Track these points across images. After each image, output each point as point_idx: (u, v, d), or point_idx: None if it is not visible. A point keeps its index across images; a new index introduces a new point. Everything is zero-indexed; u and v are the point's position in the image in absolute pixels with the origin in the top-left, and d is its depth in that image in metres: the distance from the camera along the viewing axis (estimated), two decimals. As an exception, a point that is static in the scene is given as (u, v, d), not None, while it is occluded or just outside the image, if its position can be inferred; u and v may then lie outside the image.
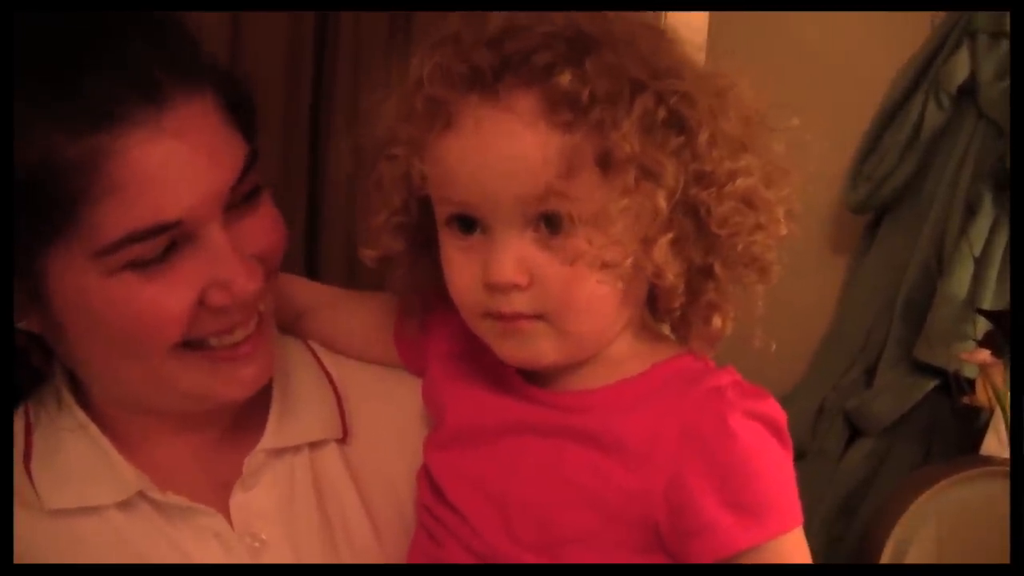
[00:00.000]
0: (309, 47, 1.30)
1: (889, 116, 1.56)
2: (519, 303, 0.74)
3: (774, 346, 0.79)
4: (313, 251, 1.34)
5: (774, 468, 0.73)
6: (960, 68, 1.48)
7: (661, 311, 0.78)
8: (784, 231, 0.77)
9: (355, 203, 1.27)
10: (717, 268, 0.76)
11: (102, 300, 0.78)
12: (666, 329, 0.81)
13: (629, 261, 0.72)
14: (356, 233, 1.25)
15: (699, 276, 0.77)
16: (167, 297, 0.78)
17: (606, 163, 0.71)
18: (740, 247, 0.75)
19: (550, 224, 0.73)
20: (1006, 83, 1.41)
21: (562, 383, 0.79)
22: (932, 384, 1.51)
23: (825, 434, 1.58)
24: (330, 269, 1.34)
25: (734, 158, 0.74)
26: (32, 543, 0.82)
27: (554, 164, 0.71)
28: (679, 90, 0.73)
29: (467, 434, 0.81)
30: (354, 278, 1.22)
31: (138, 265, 0.77)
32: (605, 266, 0.72)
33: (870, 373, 1.59)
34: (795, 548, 0.74)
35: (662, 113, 0.72)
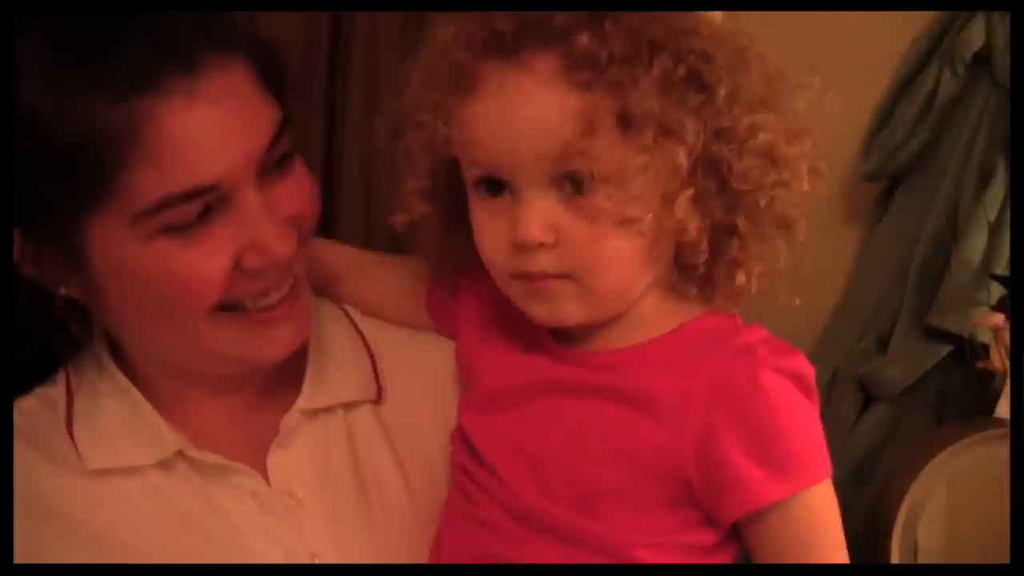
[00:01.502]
0: (325, 20, 1.30)
1: (903, 85, 1.56)
2: (545, 262, 0.75)
3: (797, 300, 0.80)
4: (329, 225, 1.35)
5: (803, 422, 0.75)
6: (975, 37, 1.48)
7: (686, 268, 0.79)
8: (807, 187, 0.78)
9: (371, 179, 1.29)
10: (741, 224, 0.77)
11: (140, 265, 0.80)
12: (693, 290, 0.82)
13: (650, 217, 0.73)
14: (371, 208, 1.27)
15: (723, 233, 0.78)
16: (204, 261, 0.80)
17: (625, 122, 0.73)
18: (763, 203, 0.77)
19: (574, 183, 0.74)
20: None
21: (594, 343, 0.80)
22: (945, 351, 1.51)
23: (839, 401, 1.59)
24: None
25: (753, 114, 0.75)
26: (73, 502, 0.85)
27: (574, 123, 0.72)
28: (697, 48, 0.74)
29: (501, 395, 0.83)
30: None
31: (175, 229, 0.79)
32: (626, 222, 0.74)
33: (883, 341, 1.60)
34: (823, 500, 0.76)
35: (681, 71, 0.73)
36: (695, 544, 0.78)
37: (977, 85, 1.52)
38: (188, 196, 0.78)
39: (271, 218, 0.82)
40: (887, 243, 1.62)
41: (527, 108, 0.73)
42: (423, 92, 0.79)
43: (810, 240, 0.81)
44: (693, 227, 0.75)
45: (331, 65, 1.30)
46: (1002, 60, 1.47)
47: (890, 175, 1.59)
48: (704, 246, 0.77)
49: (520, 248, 0.75)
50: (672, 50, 0.73)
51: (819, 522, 0.76)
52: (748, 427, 0.73)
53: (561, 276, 0.76)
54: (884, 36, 1.59)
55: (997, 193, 1.47)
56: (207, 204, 0.79)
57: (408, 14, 1.27)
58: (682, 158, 0.73)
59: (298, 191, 0.86)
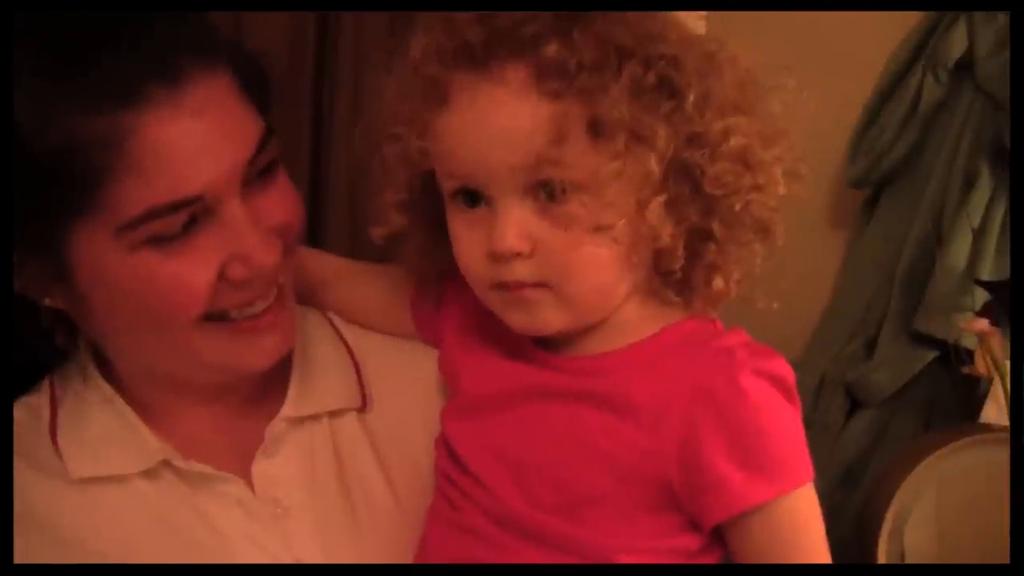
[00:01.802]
0: (312, 27, 1.31)
1: (887, 91, 1.57)
2: (521, 272, 0.76)
3: (776, 305, 0.80)
4: (316, 233, 1.35)
5: (783, 425, 0.75)
6: (957, 43, 1.49)
7: (665, 274, 0.80)
8: (783, 190, 0.78)
9: (357, 187, 1.29)
10: (717, 229, 0.77)
11: (125, 276, 0.80)
12: (673, 296, 0.82)
13: (623, 223, 0.74)
14: (358, 216, 1.28)
15: (699, 238, 0.78)
16: (189, 272, 0.80)
17: (596, 129, 0.73)
18: (738, 207, 0.77)
19: (548, 192, 0.74)
20: (1003, 57, 1.42)
21: (575, 348, 0.81)
22: (931, 356, 1.52)
23: (826, 406, 1.59)
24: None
25: (725, 118, 0.75)
26: (57, 511, 0.85)
27: (545, 132, 0.72)
28: (667, 54, 0.74)
29: (483, 402, 0.83)
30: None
31: (159, 241, 0.79)
32: (600, 228, 0.74)
33: (870, 346, 1.60)
34: (806, 504, 0.76)
35: (651, 78, 0.74)
36: (678, 549, 0.78)
37: (960, 91, 1.52)
38: (173, 207, 0.78)
39: (255, 228, 0.82)
40: (874, 247, 1.62)
41: (498, 118, 0.74)
42: (397, 105, 0.79)
43: (797, 245, 0.81)
44: (667, 232, 0.75)
45: (318, 65, 1.30)
46: (984, 66, 1.48)
47: (875, 181, 1.60)
48: (680, 251, 0.77)
49: (497, 258, 0.76)
50: (641, 57, 0.74)
51: (801, 525, 0.77)
52: (729, 430, 0.74)
53: (538, 285, 0.76)
54: (870, 41, 1.60)
55: (981, 199, 1.48)
56: (192, 215, 0.80)
57: (395, 15, 1.27)
58: (654, 164, 0.73)
59: (282, 201, 0.86)
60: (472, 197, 0.77)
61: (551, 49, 0.72)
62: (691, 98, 0.74)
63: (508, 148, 0.73)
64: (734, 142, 0.75)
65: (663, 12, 0.79)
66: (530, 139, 0.73)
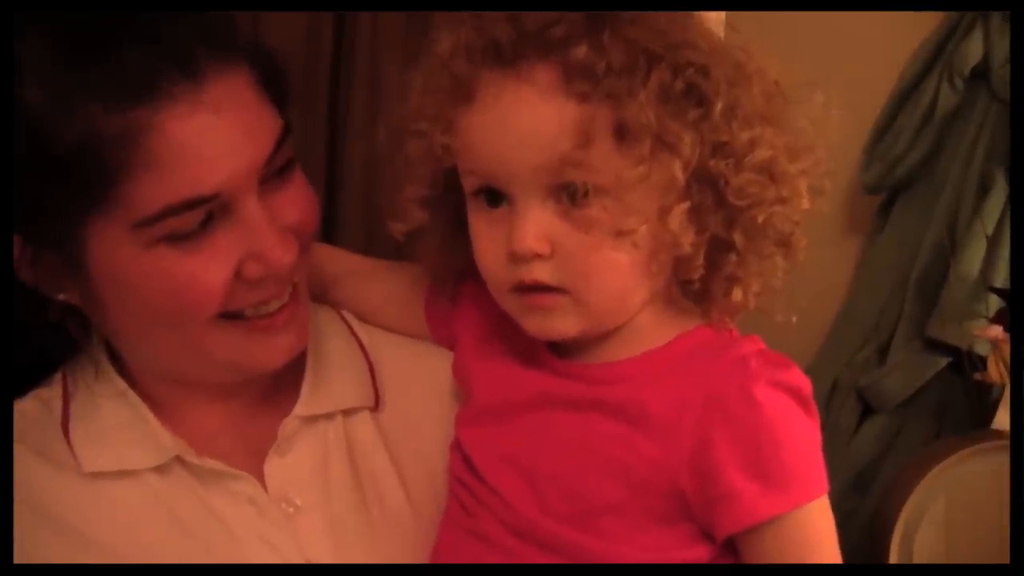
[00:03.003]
0: (329, 25, 1.31)
1: (903, 98, 1.57)
2: (540, 273, 0.75)
3: (794, 318, 0.80)
4: (330, 231, 1.35)
5: (799, 437, 0.74)
6: (973, 50, 1.49)
7: (684, 283, 0.79)
8: (807, 205, 0.78)
9: (373, 186, 1.29)
10: (738, 240, 0.77)
11: (140, 273, 0.80)
12: (691, 305, 0.81)
13: (644, 228, 0.73)
14: (373, 215, 1.28)
15: (720, 249, 0.78)
16: (205, 270, 0.80)
17: (622, 133, 0.73)
18: (761, 219, 0.76)
19: (571, 195, 0.74)
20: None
21: (590, 356, 0.80)
22: (944, 362, 1.52)
23: (838, 411, 1.59)
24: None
25: (752, 129, 0.75)
26: (67, 505, 0.85)
27: (570, 134, 0.72)
28: (696, 62, 0.74)
29: (497, 409, 0.83)
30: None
31: (176, 238, 0.79)
32: (621, 233, 0.74)
33: (883, 351, 1.60)
34: (820, 517, 0.75)
35: (679, 85, 0.73)
36: (691, 560, 0.77)
37: (976, 98, 1.52)
38: (190, 205, 0.78)
39: (272, 227, 0.82)
40: (888, 253, 1.62)
41: (524, 118, 0.73)
42: (423, 101, 0.79)
43: (811, 250, 0.81)
44: (688, 241, 0.74)
45: (334, 66, 1.30)
46: (1000, 73, 1.48)
47: (889, 187, 1.59)
48: (700, 261, 0.76)
49: (516, 259, 0.75)
50: (670, 63, 0.73)
51: (815, 538, 0.76)
52: (742, 441, 0.73)
53: (557, 291, 0.76)
54: (886, 46, 1.60)
55: (995, 206, 1.48)
56: (209, 213, 0.79)
57: (412, 15, 1.27)
58: (678, 171, 0.73)
59: (299, 200, 0.86)
60: (494, 196, 0.77)
61: (580, 51, 0.72)
62: (719, 107, 0.74)
63: (532, 148, 0.73)
64: (760, 153, 0.75)
65: (694, 20, 0.78)
66: (555, 140, 0.72)
